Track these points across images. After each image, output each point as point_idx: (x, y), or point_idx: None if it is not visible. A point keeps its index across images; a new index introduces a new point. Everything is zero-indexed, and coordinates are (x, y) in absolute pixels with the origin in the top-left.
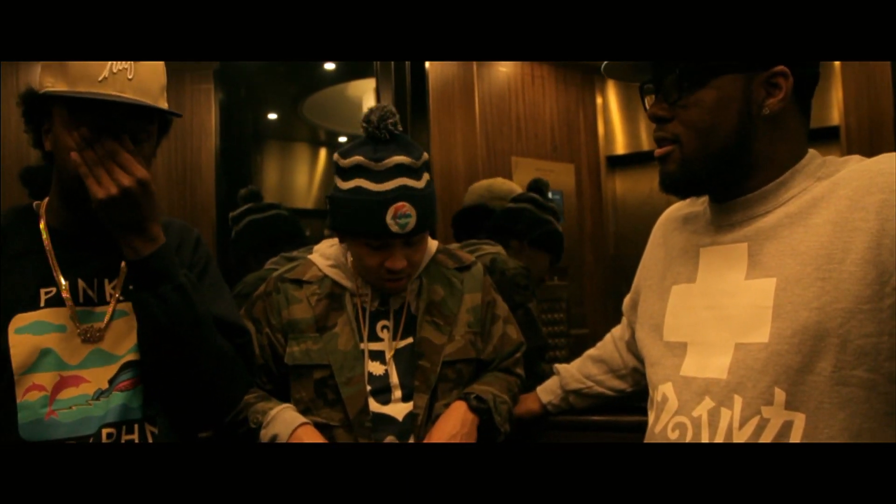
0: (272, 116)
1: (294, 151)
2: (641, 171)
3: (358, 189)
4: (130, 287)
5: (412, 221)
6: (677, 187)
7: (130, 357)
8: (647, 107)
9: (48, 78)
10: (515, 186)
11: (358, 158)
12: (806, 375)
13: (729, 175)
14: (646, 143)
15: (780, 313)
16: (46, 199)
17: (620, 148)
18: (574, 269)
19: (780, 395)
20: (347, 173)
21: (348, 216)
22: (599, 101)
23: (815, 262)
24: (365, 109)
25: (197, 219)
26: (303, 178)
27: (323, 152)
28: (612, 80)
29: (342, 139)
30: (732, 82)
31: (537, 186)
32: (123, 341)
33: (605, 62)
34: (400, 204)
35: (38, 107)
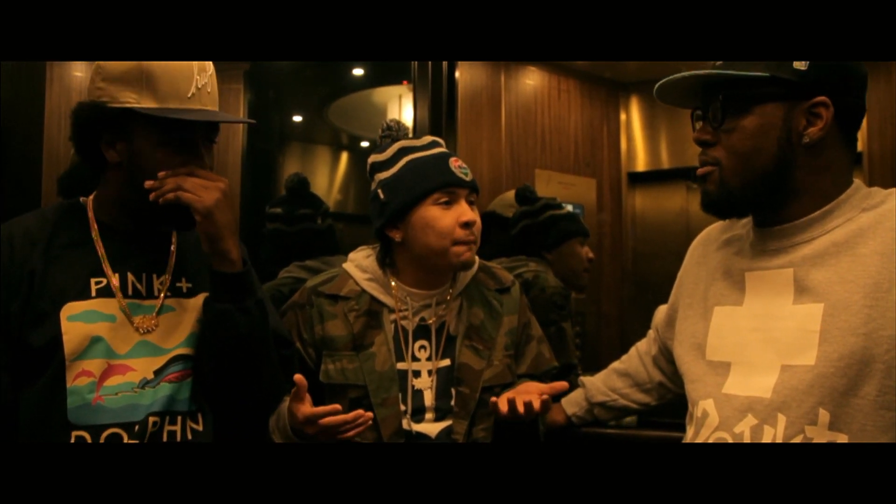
0: (297, 119)
1: (316, 154)
2: (662, 188)
3: (410, 161)
4: (178, 285)
5: (471, 173)
6: (716, 207)
7: (180, 351)
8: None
9: (129, 94)
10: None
11: (399, 144)
12: (850, 398)
13: (767, 200)
14: (667, 162)
15: (827, 338)
16: (93, 196)
17: (642, 165)
18: (592, 283)
19: (824, 415)
20: (390, 161)
21: (411, 184)
22: (623, 117)
23: (863, 291)
24: (389, 115)
25: None
26: (323, 180)
27: (344, 156)
28: (665, 104)
29: (364, 144)
30: (774, 110)
31: (523, 196)
32: (171, 335)
33: (658, 85)
34: (455, 158)
35: (109, 120)
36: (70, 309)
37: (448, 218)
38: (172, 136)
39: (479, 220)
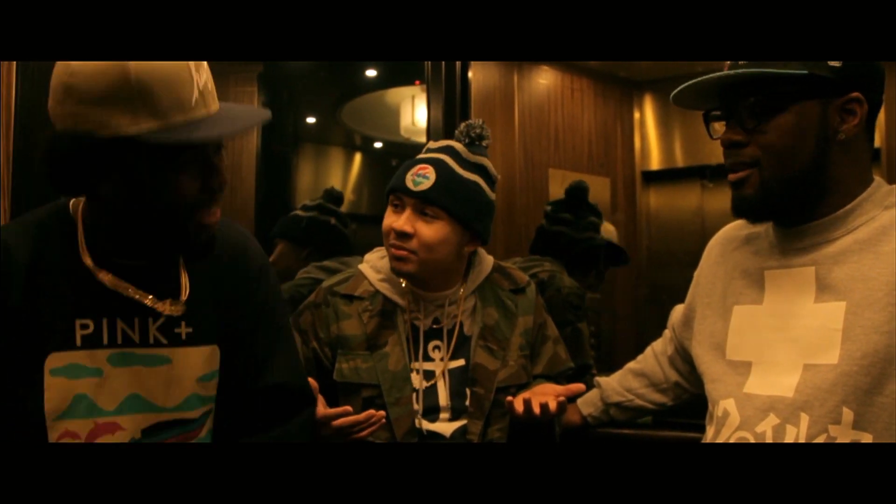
0: (311, 120)
1: (330, 155)
2: (676, 187)
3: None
4: (177, 330)
5: (426, 184)
6: (753, 211)
7: (177, 415)
8: (712, 134)
9: (120, 117)
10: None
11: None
12: (875, 397)
13: (804, 199)
14: (681, 160)
15: (849, 336)
16: (82, 207)
17: (656, 163)
18: (606, 282)
19: (848, 414)
20: None
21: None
22: (637, 115)
23: (886, 288)
24: (402, 116)
25: (236, 218)
26: (337, 181)
27: (358, 157)
28: (681, 107)
29: (377, 145)
30: (811, 108)
31: (575, 197)
32: (166, 393)
33: (681, 88)
34: (423, 165)
35: (98, 151)
36: (53, 361)
37: (386, 221)
38: (184, 158)
39: (422, 233)
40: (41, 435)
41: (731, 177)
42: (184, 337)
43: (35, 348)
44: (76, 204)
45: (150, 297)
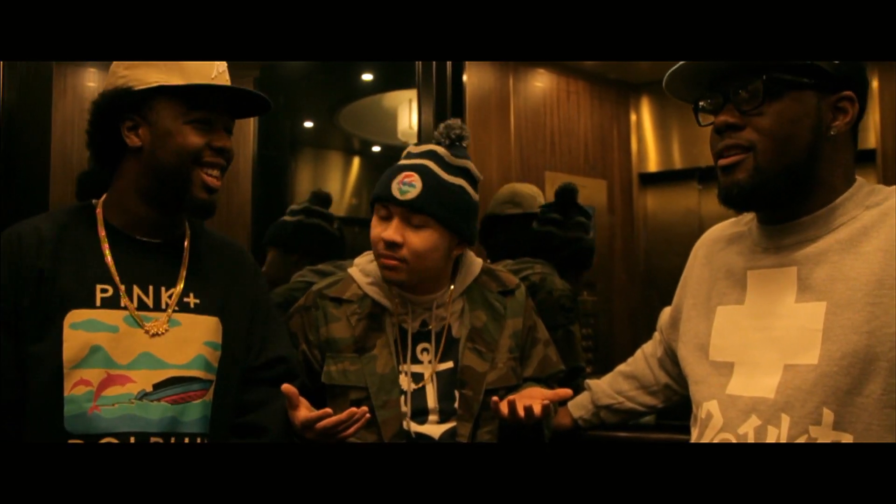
0: (308, 124)
1: (328, 159)
2: (673, 188)
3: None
4: (186, 300)
5: (413, 192)
6: (742, 198)
7: (185, 372)
8: (701, 121)
9: (156, 74)
10: (537, 192)
11: (410, 147)
12: (854, 397)
13: (793, 191)
14: (678, 162)
15: (829, 336)
16: (103, 198)
17: (653, 165)
18: (604, 284)
19: (828, 415)
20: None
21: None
22: (633, 118)
23: (866, 288)
24: (400, 120)
25: (232, 223)
26: (335, 185)
27: (356, 161)
28: (672, 96)
29: (376, 148)
30: (809, 98)
31: (563, 199)
32: (176, 352)
33: (667, 76)
34: (408, 173)
35: (134, 103)
36: (73, 317)
37: (375, 230)
38: (199, 112)
39: (412, 242)
40: (57, 384)
41: (722, 161)
42: (192, 306)
43: (59, 307)
44: (97, 202)
45: None
